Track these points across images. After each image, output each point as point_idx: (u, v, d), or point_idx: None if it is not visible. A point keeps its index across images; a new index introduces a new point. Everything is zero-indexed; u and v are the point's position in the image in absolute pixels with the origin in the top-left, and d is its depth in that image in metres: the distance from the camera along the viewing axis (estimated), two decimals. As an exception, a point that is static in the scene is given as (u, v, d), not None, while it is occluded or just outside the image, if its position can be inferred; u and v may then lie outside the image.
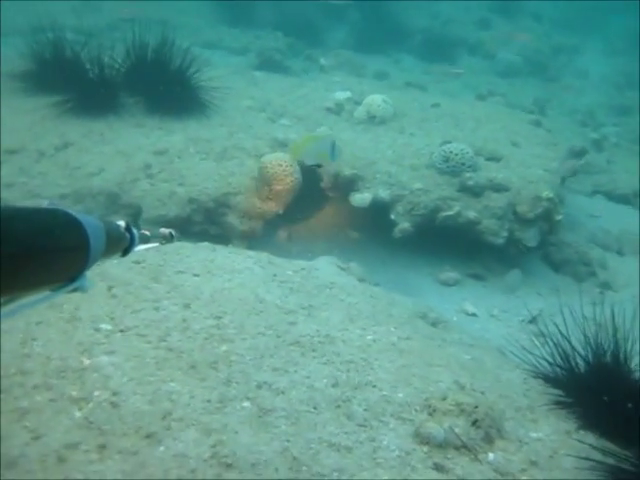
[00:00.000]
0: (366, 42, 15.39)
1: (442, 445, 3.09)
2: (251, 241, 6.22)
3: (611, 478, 3.17)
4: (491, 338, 5.68)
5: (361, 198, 6.49)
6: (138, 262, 4.31)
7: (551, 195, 6.43)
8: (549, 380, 3.99)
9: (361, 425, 3.16)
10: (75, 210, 1.48)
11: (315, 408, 3.21)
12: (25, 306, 1.40)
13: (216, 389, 3.23)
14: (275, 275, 4.57)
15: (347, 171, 6.62)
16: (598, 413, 3.65)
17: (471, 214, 6.35)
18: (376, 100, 7.80)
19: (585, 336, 3.81)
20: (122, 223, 1.81)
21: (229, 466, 2.80)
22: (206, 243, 5.03)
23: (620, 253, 7.59)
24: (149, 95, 7.52)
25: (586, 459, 3.23)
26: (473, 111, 8.65)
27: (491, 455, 3.16)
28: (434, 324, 5.02)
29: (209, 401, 3.14)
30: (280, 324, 3.90)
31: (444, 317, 5.21)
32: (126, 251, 1.84)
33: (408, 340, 4.11)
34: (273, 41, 14.58)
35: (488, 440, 3.24)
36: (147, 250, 2.11)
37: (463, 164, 6.58)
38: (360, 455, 2.97)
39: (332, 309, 4.25)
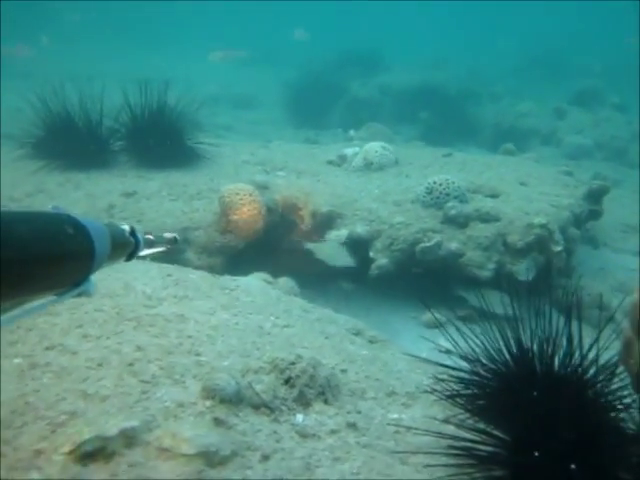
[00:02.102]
0: (434, 136, 15.13)
1: (233, 401, 2.49)
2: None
3: (467, 456, 2.47)
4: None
5: (336, 235, 5.98)
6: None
7: (544, 222, 5.69)
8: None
9: (144, 381, 2.60)
10: (79, 214, 1.47)
11: (100, 365, 2.68)
12: (32, 310, 1.38)
13: (-8, 345, 2.77)
14: (170, 275, 4.09)
15: (324, 208, 6.16)
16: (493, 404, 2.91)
17: (453, 245, 5.70)
18: (374, 147, 7.37)
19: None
20: (127, 227, 1.80)
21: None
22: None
23: (655, 303, 6.61)
24: (143, 154, 7.42)
25: (441, 436, 2.54)
26: (489, 160, 8.05)
27: (300, 416, 2.52)
28: (371, 342, 4.35)
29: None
30: (132, 306, 3.40)
31: (384, 338, 4.52)
32: (131, 255, 1.84)
33: (285, 327, 3.52)
34: (332, 136, 14.58)
35: (303, 402, 2.60)
36: (151, 254, 2.06)
37: (448, 194, 5.99)
38: (114, 403, 2.40)
39: (210, 300, 3.72)
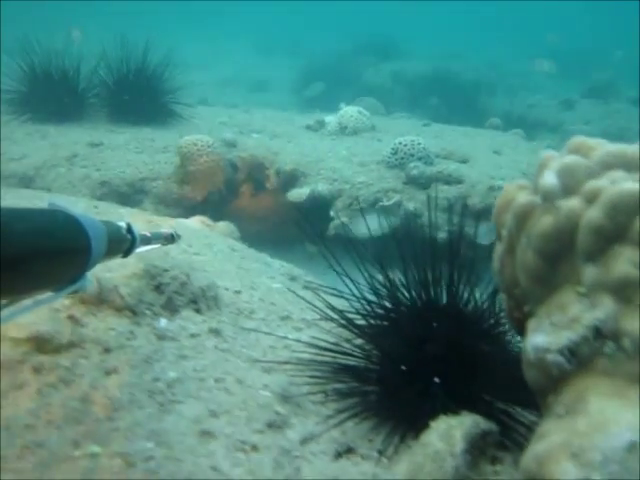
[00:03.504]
0: (440, 122, 14.96)
1: (93, 302, 2.40)
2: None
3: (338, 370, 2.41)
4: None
5: (298, 193, 5.89)
6: None
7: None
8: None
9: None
10: (75, 211, 1.46)
11: None
12: (27, 308, 1.38)
13: None
14: (96, 207, 4.04)
15: (288, 166, 6.08)
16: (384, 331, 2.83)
17: (411, 205, 5.59)
18: (349, 111, 7.28)
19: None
20: (123, 224, 1.80)
21: None
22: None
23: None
24: (119, 111, 7.40)
25: (319, 353, 2.46)
26: (467, 130, 7.92)
27: (163, 321, 2.45)
28: (305, 287, 4.26)
29: None
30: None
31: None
32: (127, 252, 1.84)
33: (195, 255, 3.46)
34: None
35: (171, 308, 2.52)
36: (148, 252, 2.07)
37: (412, 155, 5.88)
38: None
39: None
